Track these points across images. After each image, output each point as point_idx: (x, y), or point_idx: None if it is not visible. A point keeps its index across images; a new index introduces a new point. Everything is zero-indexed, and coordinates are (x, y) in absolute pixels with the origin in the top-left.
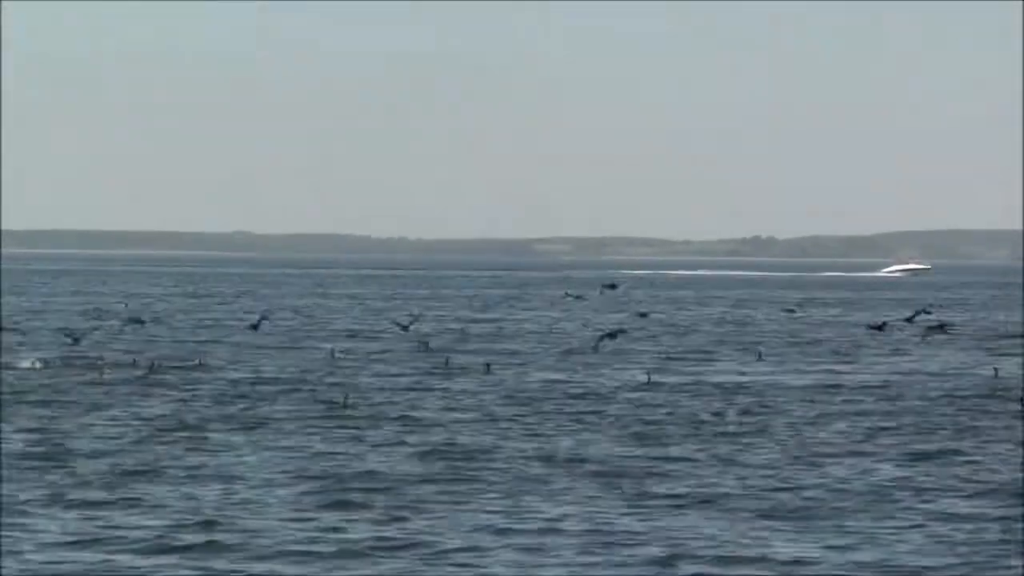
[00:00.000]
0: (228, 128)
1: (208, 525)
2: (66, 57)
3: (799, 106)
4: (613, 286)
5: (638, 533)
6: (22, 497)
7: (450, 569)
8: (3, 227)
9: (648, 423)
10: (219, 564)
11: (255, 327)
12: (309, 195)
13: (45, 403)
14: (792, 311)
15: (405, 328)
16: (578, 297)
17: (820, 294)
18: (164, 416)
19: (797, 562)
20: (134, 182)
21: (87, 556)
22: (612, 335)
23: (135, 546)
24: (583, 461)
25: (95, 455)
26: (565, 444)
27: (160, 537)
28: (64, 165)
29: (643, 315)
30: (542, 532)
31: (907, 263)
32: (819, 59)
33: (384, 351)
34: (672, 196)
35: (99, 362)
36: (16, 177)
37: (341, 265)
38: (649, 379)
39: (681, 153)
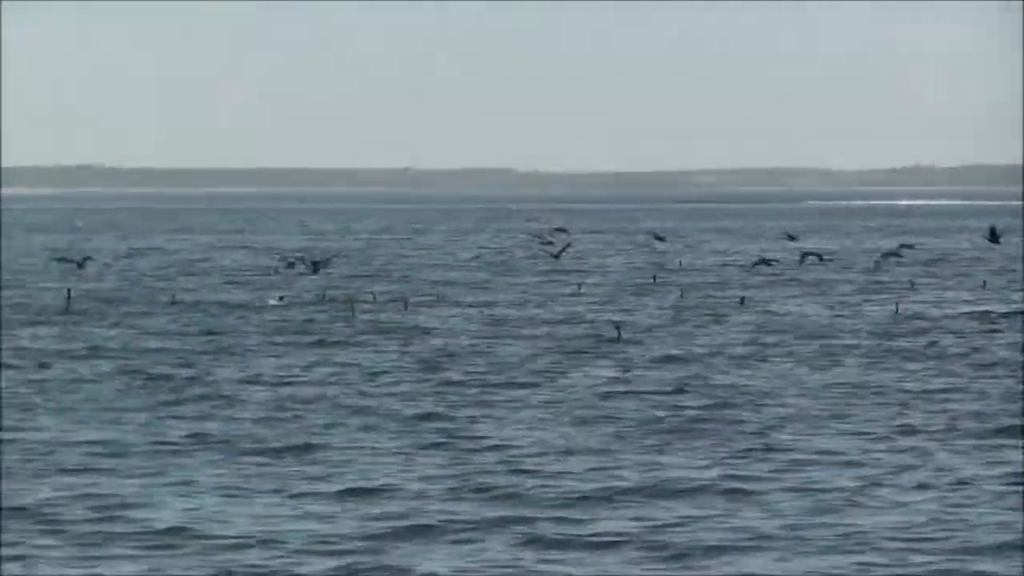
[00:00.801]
0: (384, 64)
1: None
2: None
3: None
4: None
5: None
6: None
7: None
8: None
9: None
10: None
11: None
12: (459, 131)
13: (329, 342)
14: None
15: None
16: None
17: None
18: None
19: None
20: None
21: None
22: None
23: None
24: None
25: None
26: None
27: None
28: (224, 107)
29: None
30: None
31: None
32: None
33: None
34: (828, 124)
35: (341, 298)
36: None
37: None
38: None
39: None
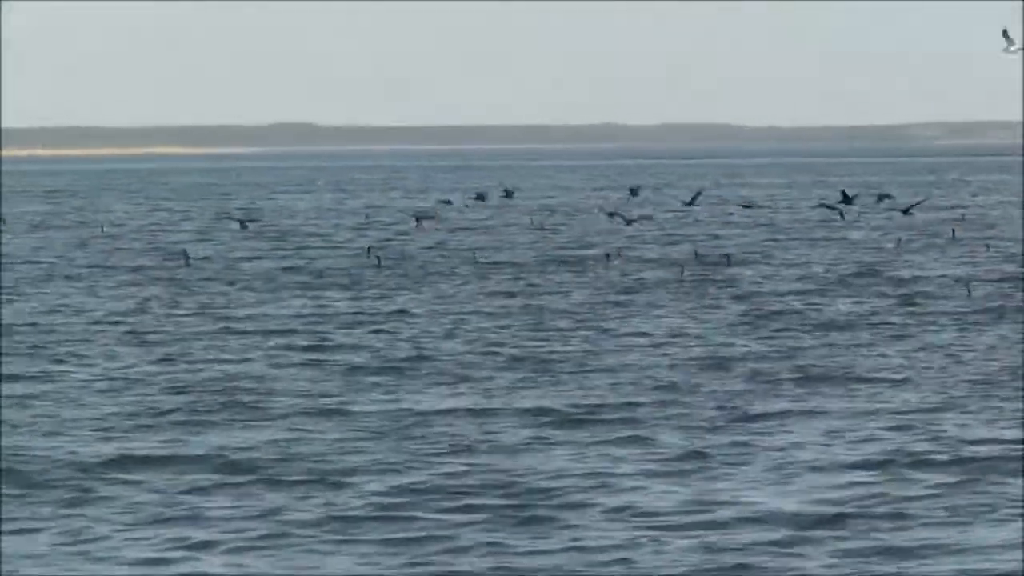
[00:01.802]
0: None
1: None
2: None
3: None
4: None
5: None
6: None
7: None
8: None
9: None
10: None
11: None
12: (665, 85)
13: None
14: None
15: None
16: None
17: None
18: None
19: None
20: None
21: None
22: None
23: None
24: None
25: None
26: None
27: None
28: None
29: None
30: None
31: None
32: None
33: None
34: None
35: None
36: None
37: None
38: None
39: None
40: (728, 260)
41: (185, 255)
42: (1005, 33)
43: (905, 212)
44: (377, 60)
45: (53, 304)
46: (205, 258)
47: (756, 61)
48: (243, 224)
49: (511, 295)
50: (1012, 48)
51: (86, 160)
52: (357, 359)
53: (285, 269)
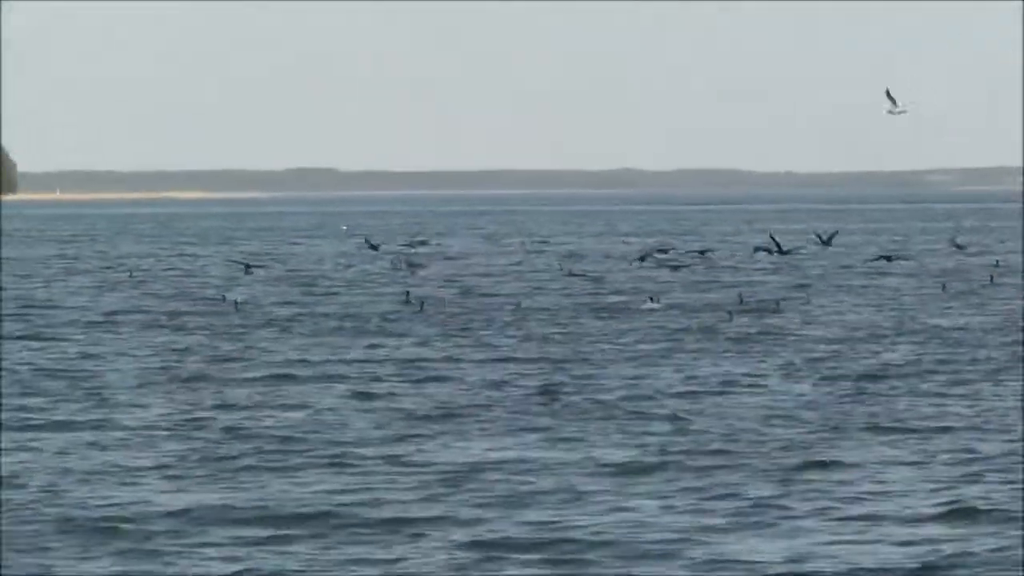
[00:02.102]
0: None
1: None
2: None
3: None
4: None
5: None
6: None
7: None
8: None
9: None
10: None
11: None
12: (684, 133)
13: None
14: None
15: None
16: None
17: None
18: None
19: None
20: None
21: None
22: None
23: None
24: None
25: None
26: None
27: None
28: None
29: None
30: None
31: None
32: None
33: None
34: None
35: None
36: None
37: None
38: None
39: None
40: (777, 306)
41: (232, 303)
42: (888, 94)
43: (826, 242)
44: (393, 105)
45: (97, 350)
46: (241, 303)
47: (768, 107)
48: (248, 268)
49: (557, 342)
50: (896, 109)
51: (104, 204)
52: (411, 406)
53: (324, 314)
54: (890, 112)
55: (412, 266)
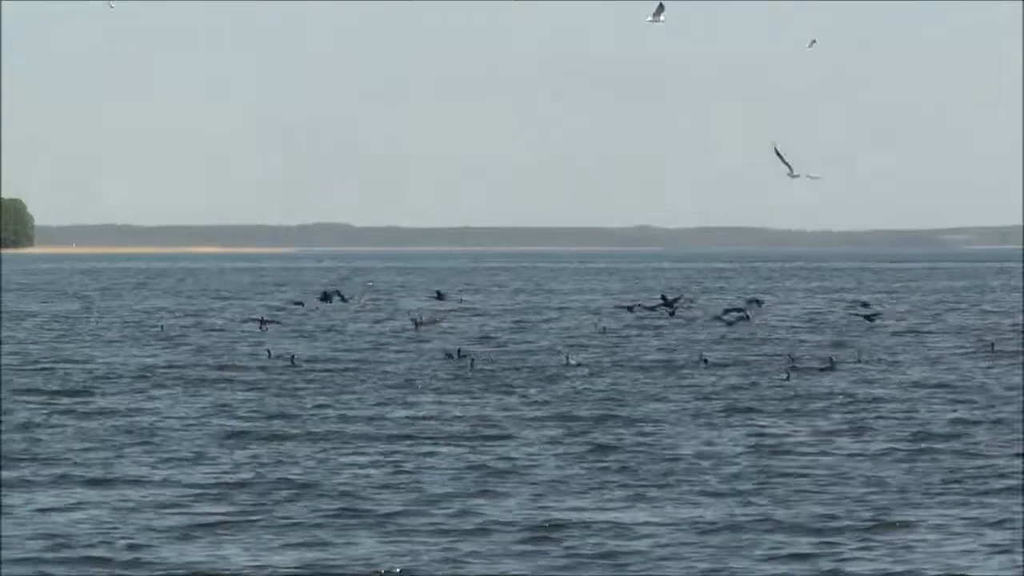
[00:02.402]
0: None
1: None
2: None
3: None
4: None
5: None
6: None
7: None
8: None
9: None
10: None
11: None
12: (709, 190)
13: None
14: None
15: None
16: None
17: None
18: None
19: None
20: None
21: None
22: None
23: None
24: None
25: None
26: None
27: None
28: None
29: None
30: None
31: None
32: None
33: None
34: None
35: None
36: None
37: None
38: None
39: None
40: (831, 364)
41: (289, 358)
42: (777, 152)
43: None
44: (412, 162)
45: (153, 407)
46: (280, 357)
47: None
48: (262, 324)
49: (613, 400)
50: (794, 173)
51: (122, 258)
52: (477, 461)
53: (370, 371)
54: (790, 176)
55: (424, 323)
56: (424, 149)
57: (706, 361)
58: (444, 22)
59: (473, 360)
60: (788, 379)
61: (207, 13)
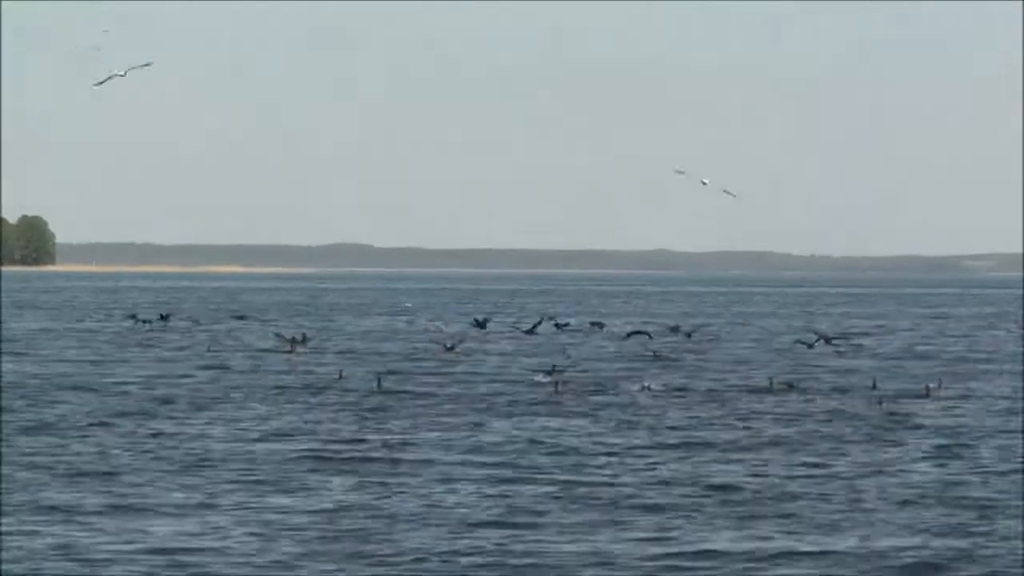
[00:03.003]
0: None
1: None
2: None
3: None
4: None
5: None
6: None
7: None
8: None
9: None
10: None
11: None
12: (722, 213)
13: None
14: None
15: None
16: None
17: None
18: None
19: None
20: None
21: None
22: None
23: None
24: None
25: None
26: None
27: None
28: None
29: None
30: None
31: None
32: None
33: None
34: None
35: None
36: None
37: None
38: None
39: None
40: (927, 391)
41: (376, 380)
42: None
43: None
44: (432, 184)
45: (224, 429)
46: (379, 381)
47: (807, 191)
48: (294, 342)
49: (703, 425)
50: (706, 182)
51: (141, 276)
52: (561, 492)
53: (454, 394)
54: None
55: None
56: (449, 173)
57: (792, 386)
58: (475, 41)
59: (558, 384)
60: (881, 406)
61: (233, 29)
